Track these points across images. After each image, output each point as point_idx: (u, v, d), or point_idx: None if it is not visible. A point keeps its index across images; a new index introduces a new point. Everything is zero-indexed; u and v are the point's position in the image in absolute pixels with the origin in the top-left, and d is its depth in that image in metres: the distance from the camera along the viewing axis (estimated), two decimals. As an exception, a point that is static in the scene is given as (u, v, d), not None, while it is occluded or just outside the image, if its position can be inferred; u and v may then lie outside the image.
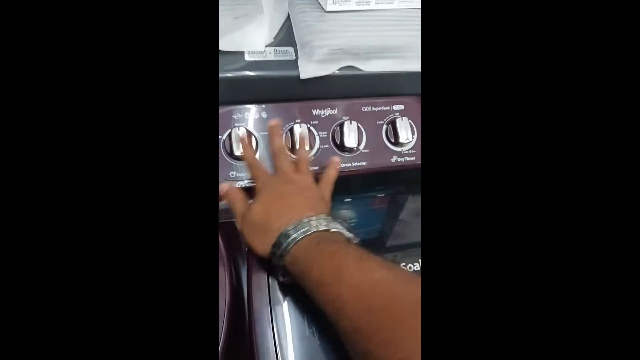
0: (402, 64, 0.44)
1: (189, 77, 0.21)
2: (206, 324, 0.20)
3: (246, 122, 0.42)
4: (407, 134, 0.44)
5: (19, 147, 0.19)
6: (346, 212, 0.50)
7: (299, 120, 0.43)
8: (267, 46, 0.45)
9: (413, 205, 0.51)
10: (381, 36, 0.46)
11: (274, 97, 0.44)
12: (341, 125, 0.43)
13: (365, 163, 0.44)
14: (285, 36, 0.46)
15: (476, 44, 0.21)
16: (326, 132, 0.43)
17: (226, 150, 0.41)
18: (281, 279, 0.34)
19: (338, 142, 0.43)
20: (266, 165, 0.42)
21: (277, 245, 0.32)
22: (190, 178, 0.21)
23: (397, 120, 0.44)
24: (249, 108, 0.42)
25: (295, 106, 0.43)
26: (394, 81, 0.45)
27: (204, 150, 0.21)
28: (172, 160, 0.20)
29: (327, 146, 0.43)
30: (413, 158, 0.45)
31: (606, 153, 0.19)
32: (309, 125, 0.42)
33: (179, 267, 0.20)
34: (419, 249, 0.44)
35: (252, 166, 0.40)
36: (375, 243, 0.49)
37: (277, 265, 0.33)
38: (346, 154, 0.44)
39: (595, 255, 0.19)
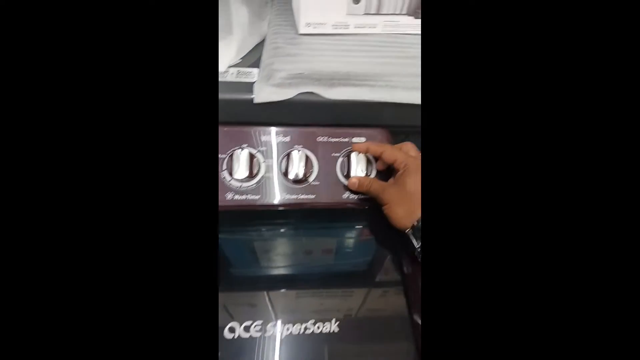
0: (369, 92, 0.40)
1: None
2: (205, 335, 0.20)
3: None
4: (363, 169, 0.40)
5: (15, 149, 0.19)
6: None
7: (245, 145, 0.40)
8: (231, 67, 0.44)
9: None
10: (352, 62, 0.42)
11: (230, 120, 0.42)
12: (288, 154, 0.40)
13: (313, 196, 0.40)
14: (257, 58, 0.45)
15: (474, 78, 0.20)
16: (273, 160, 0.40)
17: None
18: (417, 244, 0.36)
19: (283, 172, 0.40)
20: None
21: None
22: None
23: (352, 153, 0.40)
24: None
25: (244, 130, 0.41)
26: (359, 111, 0.41)
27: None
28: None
29: (270, 175, 0.40)
30: (368, 197, 0.40)
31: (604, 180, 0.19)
32: (252, 151, 0.40)
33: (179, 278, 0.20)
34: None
35: (383, 151, 0.40)
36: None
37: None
38: (294, 185, 0.40)
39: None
